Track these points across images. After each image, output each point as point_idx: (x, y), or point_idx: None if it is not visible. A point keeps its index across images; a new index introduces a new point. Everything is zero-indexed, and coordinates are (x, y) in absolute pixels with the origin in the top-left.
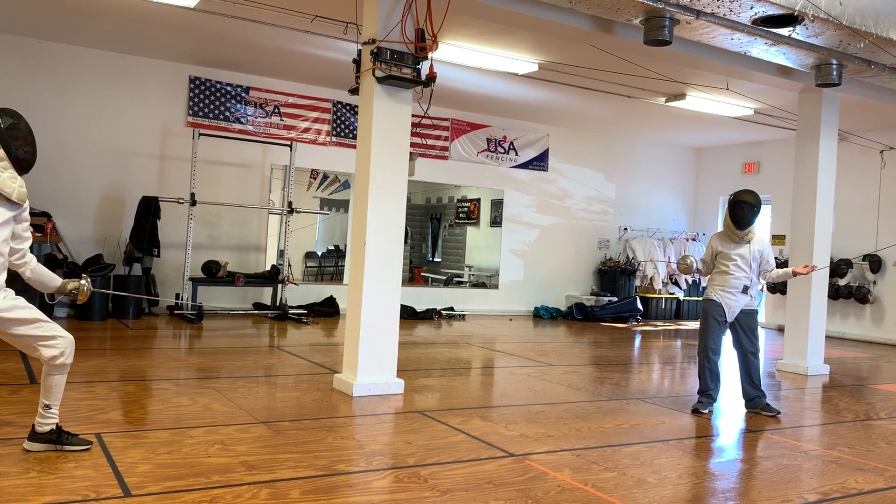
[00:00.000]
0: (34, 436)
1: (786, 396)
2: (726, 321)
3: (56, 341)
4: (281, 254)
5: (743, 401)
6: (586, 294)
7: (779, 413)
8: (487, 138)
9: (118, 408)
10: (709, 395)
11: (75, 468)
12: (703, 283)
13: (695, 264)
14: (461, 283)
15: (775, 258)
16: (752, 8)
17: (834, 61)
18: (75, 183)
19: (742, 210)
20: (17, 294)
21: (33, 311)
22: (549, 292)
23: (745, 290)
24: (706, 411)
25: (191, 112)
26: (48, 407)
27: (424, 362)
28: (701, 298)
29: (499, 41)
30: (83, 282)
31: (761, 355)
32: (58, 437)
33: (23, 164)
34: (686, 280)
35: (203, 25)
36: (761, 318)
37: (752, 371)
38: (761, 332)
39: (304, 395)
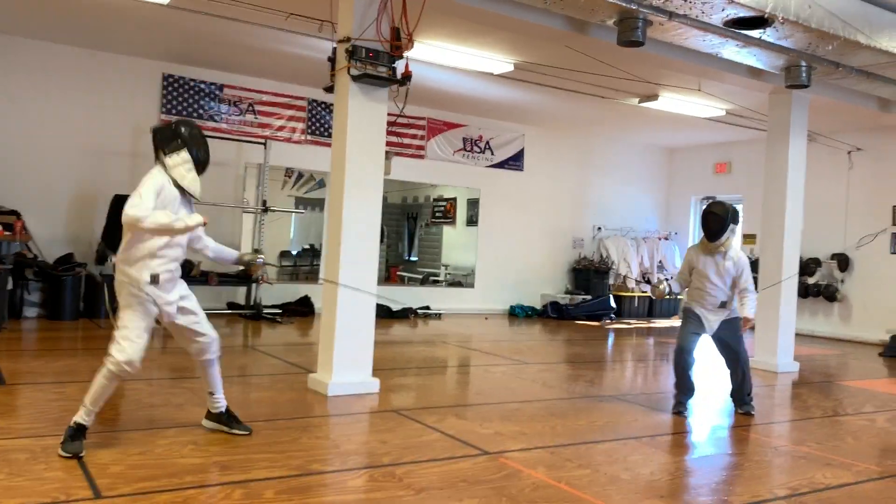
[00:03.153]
0: None
1: (757, 394)
2: (704, 332)
3: None
4: (255, 253)
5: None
6: (561, 292)
7: (752, 414)
8: (463, 138)
9: None
10: (684, 396)
11: (45, 470)
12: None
13: (668, 289)
14: (437, 282)
15: (747, 258)
16: (723, 10)
17: (803, 63)
18: (46, 181)
19: (708, 222)
20: None
21: None
22: (524, 291)
23: (724, 305)
24: (685, 415)
25: (164, 110)
26: None
27: (400, 361)
28: (672, 297)
29: (475, 41)
30: (258, 257)
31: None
32: None
33: (201, 165)
34: (659, 278)
35: (177, 22)
36: None
37: (743, 379)
38: None
39: (279, 395)
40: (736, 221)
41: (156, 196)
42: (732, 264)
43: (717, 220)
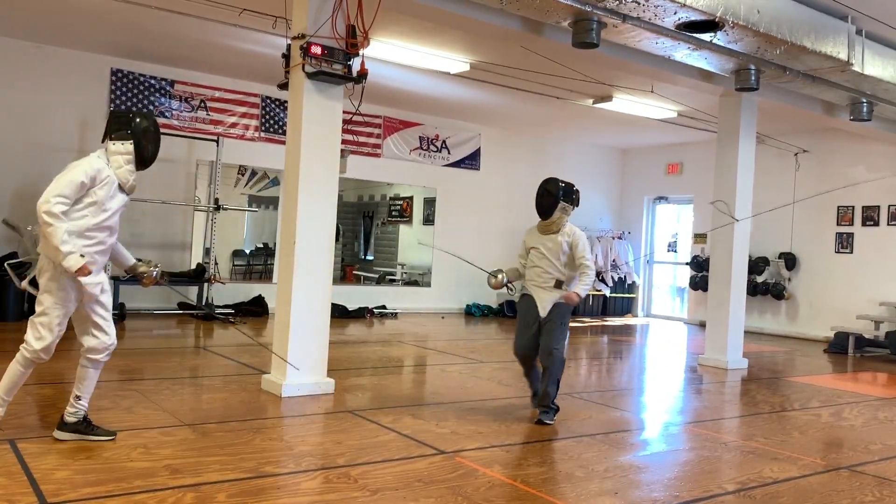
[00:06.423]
0: None
1: (707, 390)
2: (538, 318)
3: None
4: (207, 252)
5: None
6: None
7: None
8: (420, 136)
9: (34, 412)
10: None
11: None
12: (630, 281)
13: (505, 278)
14: (393, 281)
15: (696, 257)
16: (675, 13)
17: (752, 67)
18: None
19: (540, 197)
20: None
21: None
22: (480, 290)
23: (559, 284)
24: (549, 421)
25: (112, 105)
26: None
27: (356, 361)
28: (626, 295)
29: (431, 40)
30: (153, 269)
31: (683, 349)
32: None
33: (145, 162)
34: (613, 277)
35: (126, 16)
36: (683, 314)
37: (550, 382)
38: (683, 328)
39: (232, 396)
40: (570, 200)
41: (79, 188)
42: (567, 241)
43: (547, 196)
